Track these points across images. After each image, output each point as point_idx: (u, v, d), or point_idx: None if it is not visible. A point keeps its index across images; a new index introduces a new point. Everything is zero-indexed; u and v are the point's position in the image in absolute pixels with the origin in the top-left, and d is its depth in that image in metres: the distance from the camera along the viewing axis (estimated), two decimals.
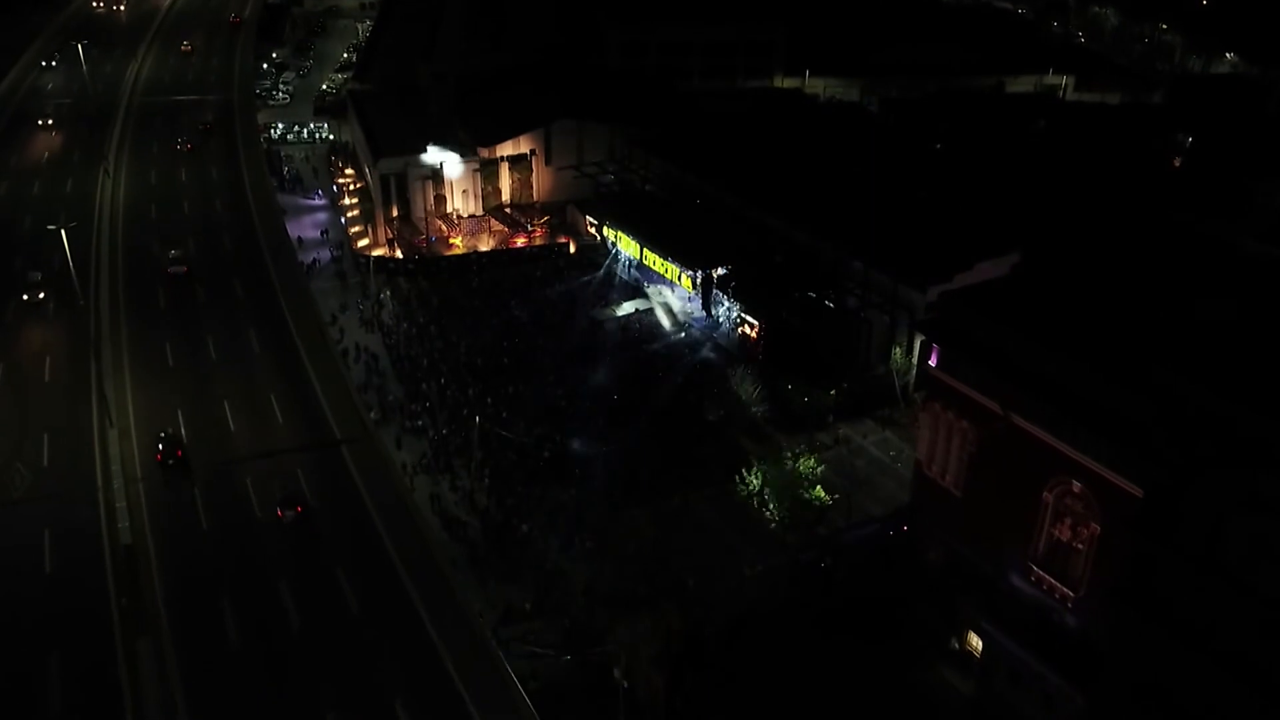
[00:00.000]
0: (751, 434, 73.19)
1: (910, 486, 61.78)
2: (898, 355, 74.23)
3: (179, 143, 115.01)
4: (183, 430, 62.17)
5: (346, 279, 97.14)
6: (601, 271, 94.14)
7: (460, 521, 62.95)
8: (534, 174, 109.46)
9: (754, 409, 72.21)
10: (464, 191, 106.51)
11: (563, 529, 62.49)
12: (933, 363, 55.89)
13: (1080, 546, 49.68)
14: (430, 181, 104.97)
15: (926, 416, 57.42)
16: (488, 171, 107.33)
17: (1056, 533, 50.82)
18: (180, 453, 59.45)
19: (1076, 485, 48.73)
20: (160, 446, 59.47)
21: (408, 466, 66.78)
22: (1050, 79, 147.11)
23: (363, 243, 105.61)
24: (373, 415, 72.99)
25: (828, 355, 75.28)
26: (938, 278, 74.40)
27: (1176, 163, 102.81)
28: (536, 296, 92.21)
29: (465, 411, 73.70)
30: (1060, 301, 53.89)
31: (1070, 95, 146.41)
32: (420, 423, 72.80)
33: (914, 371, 75.31)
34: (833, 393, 72.14)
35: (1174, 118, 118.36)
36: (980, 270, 75.71)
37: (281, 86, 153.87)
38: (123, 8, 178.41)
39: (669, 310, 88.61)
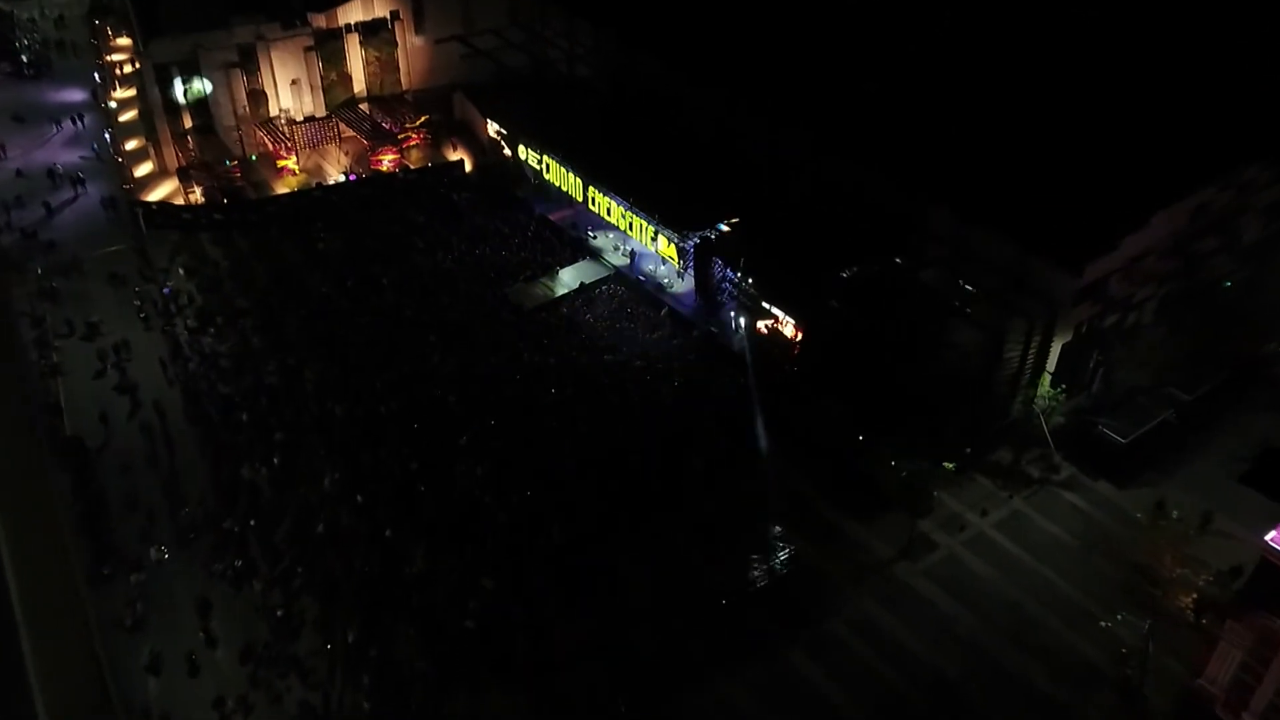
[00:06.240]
0: (800, 518, 44.54)
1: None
2: (1045, 386, 45.37)
3: None
4: None
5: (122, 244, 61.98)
6: None
7: None
8: (400, 50, 73.33)
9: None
10: (294, 83, 70.23)
11: None
12: (1275, 541, 27.27)
13: None
14: (240, 71, 68.30)
15: (1242, 632, 29.33)
16: (329, 50, 70.84)
17: None
18: None
19: None
20: None
21: (227, 702, 36.01)
22: None
23: (144, 169, 69.28)
24: (155, 553, 41.54)
25: (923, 384, 45.74)
26: (1096, 245, 45.12)
27: None
28: (422, 265, 59.23)
29: (320, 527, 42.61)
30: None
31: None
32: (239, 562, 41.22)
33: (1059, 406, 46.47)
34: (950, 465, 43.11)
35: None
36: (1156, 226, 46.98)
37: None
38: None
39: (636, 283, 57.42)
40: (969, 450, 43.88)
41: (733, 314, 51.59)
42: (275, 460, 45.61)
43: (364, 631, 38.50)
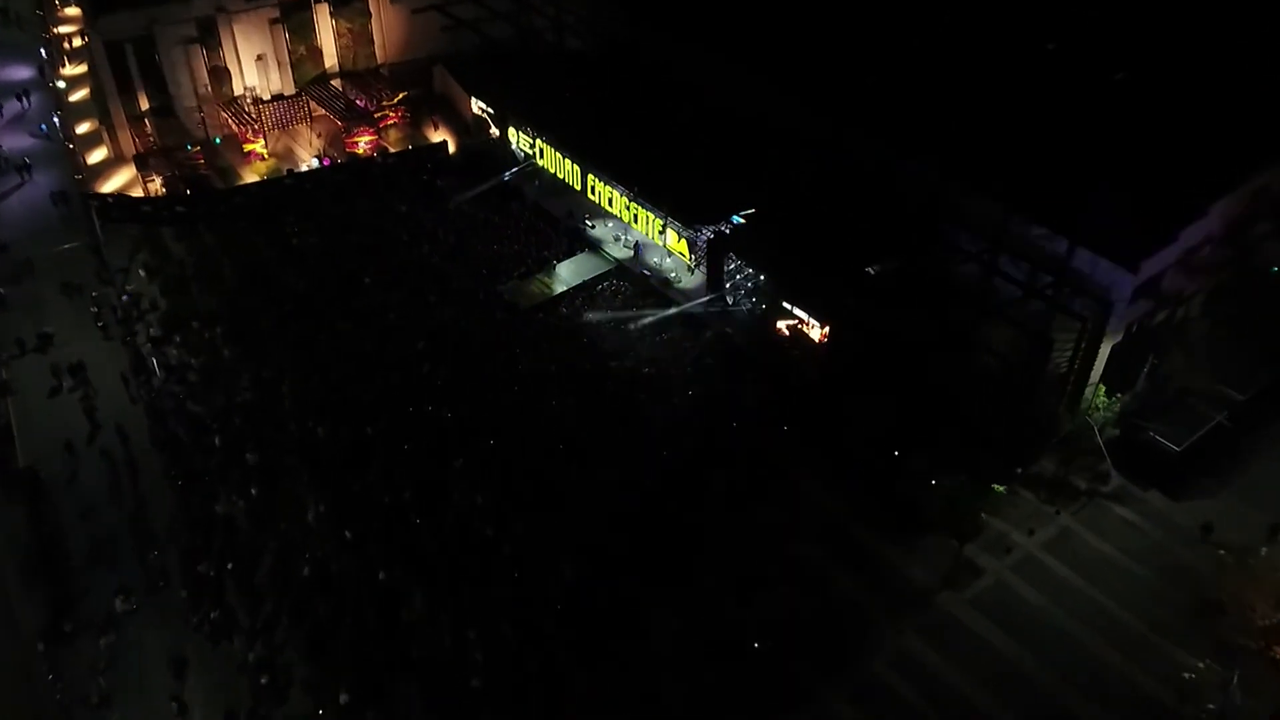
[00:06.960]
0: (836, 543, 40.72)
1: None
2: (1101, 397, 41.53)
3: None
4: None
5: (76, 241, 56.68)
6: None
7: None
8: (374, 20, 67.78)
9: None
10: (259, 59, 64.65)
11: None
12: None
13: None
14: (200, 46, 62.67)
15: None
16: (296, 21, 65.23)
17: None
18: None
19: None
20: None
21: None
22: None
23: (97, 156, 63.79)
24: (121, 603, 37.22)
25: (961, 391, 41.85)
26: (1153, 238, 41.17)
27: None
28: (407, 260, 54.43)
29: (306, 570, 38.36)
30: None
31: None
32: (216, 613, 36.94)
33: (1114, 416, 42.57)
34: (1000, 488, 39.36)
35: None
36: (1214, 216, 43.07)
37: None
38: None
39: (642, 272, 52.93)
40: (1020, 470, 40.06)
41: (749, 314, 47.26)
42: (253, 491, 41.18)
43: (358, 691, 34.46)
